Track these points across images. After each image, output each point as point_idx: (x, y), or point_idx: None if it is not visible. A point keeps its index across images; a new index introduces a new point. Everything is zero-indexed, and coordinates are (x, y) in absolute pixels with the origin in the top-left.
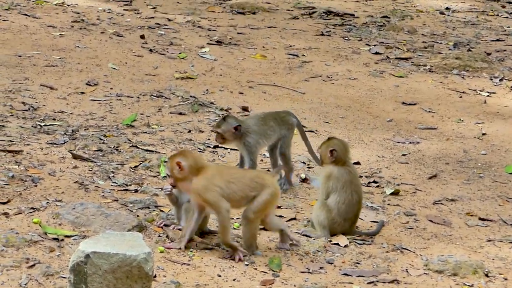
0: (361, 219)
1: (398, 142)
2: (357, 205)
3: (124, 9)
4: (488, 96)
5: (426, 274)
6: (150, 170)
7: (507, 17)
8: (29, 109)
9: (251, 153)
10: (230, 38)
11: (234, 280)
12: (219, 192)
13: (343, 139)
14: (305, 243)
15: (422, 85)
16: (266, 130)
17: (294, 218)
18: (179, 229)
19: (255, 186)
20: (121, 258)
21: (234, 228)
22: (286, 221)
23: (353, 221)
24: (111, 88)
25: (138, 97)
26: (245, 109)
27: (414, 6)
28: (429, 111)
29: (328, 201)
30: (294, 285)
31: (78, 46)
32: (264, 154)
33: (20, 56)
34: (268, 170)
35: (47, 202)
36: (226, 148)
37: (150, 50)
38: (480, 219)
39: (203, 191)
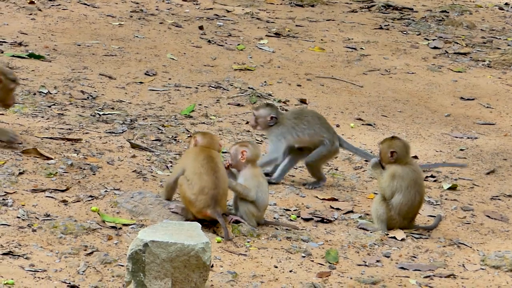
0: (419, 213)
1: (456, 137)
2: (419, 205)
3: (183, 0)
4: None
5: (482, 269)
6: None
7: None
8: (88, 98)
9: (272, 143)
10: (289, 30)
11: (290, 271)
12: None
13: (405, 139)
14: (362, 236)
15: (480, 81)
16: (296, 125)
17: (351, 211)
18: (236, 221)
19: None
20: (179, 248)
21: (291, 220)
22: (343, 213)
23: (412, 218)
24: (170, 79)
25: (196, 87)
26: (303, 101)
27: (473, 1)
28: (487, 107)
29: (392, 200)
30: (351, 278)
31: (137, 36)
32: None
33: (79, 45)
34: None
35: (106, 191)
36: None
37: (209, 41)
38: None
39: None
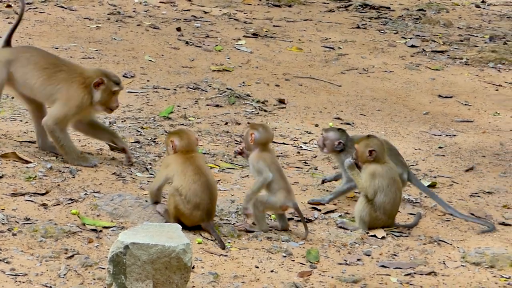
0: (399, 211)
1: (435, 135)
2: (399, 202)
3: (160, 2)
4: None
5: (463, 266)
6: None
7: None
8: None
9: (344, 173)
10: (266, 31)
11: (271, 271)
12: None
13: (381, 137)
14: (343, 235)
15: (458, 78)
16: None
17: (332, 211)
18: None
19: None
20: (160, 249)
21: (272, 220)
22: (324, 213)
23: (394, 216)
24: (148, 80)
25: (174, 89)
26: (281, 101)
27: None
28: (465, 104)
29: (375, 199)
30: (332, 277)
31: (114, 39)
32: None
33: (57, 48)
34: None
35: (85, 194)
36: None
37: (187, 43)
38: None
39: (164, 167)
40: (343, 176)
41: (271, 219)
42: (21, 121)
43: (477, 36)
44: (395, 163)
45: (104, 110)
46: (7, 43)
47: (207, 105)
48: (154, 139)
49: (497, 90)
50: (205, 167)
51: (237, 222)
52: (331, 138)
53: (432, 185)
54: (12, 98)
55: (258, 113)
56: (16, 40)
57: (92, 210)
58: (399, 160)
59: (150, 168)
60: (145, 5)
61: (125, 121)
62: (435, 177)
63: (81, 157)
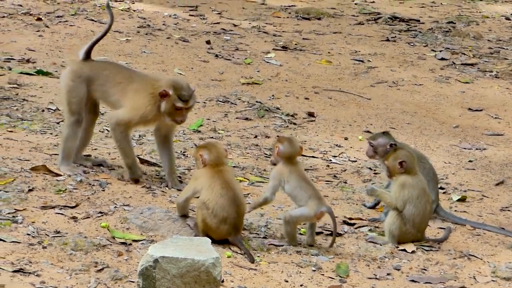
0: (428, 225)
1: (465, 148)
2: (429, 215)
3: (189, 15)
4: None
5: (493, 281)
6: None
7: None
8: None
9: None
10: (296, 44)
11: (301, 285)
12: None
13: (409, 147)
14: (372, 249)
15: (488, 91)
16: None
17: (362, 226)
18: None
19: None
20: (189, 263)
21: (301, 234)
22: (355, 227)
23: (424, 229)
24: None
25: (204, 102)
26: (310, 114)
27: (480, 12)
28: (495, 117)
29: (404, 211)
30: None
31: (144, 51)
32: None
33: None
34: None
35: (115, 207)
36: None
37: (216, 56)
38: None
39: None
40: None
41: (301, 233)
42: (51, 134)
43: (507, 48)
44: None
45: (172, 121)
46: (87, 55)
47: (236, 118)
48: (184, 152)
49: None
50: (233, 181)
51: (266, 236)
52: (382, 144)
53: (462, 199)
54: (43, 111)
55: (287, 126)
56: (47, 54)
57: (121, 223)
58: (433, 186)
59: (180, 181)
60: (175, 18)
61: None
62: (465, 191)
63: (133, 166)
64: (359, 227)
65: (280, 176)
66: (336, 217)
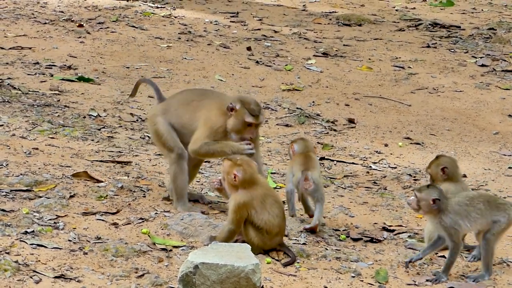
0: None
1: (505, 155)
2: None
3: (230, 21)
4: None
5: None
6: None
7: None
8: (137, 120)
9: (450, 235)
10: (336, 50)
11: None
12: (245, 215)
13: (451, 155)
14: (412, 256)
15: None
16: (469, 214)
17: (402, 232)
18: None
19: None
20: (229, 269)
21: (341, 240)
22: (394, 234)
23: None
24: None
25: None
26: (351, 121)
27: None
28: None
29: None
30: None
31: (185, 58)
32: None
33: (128, 67)
34: None
35: (156, 213)
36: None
37: (257, 62)
38: None
39: (237, 207)
40: (447, 241)
41: (340, 239)
42: (92, 140)
43: None
44: (495, 213)
45: (239, 139)
46: (161, 99)
47: (277, 124)
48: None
49: None
50: (274, 192)
51: (306, 242)
52: (427, 197)
53: None
54: (84, 117)
55: (327, 132)
56: (88, 60)
57: (162, 229)
58: (497, 207)
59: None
60: (216, 24)
61: None
62: (505, 197)
63: (233, 147)
64: (399, 233)
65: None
66: (376, 223)
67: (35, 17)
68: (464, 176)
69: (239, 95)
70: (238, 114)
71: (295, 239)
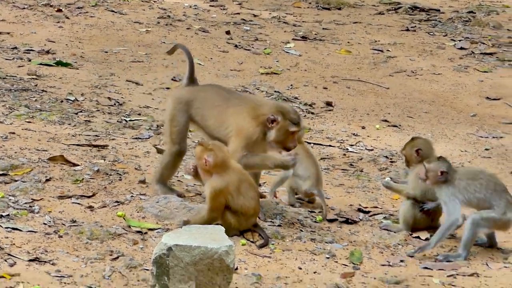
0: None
1: (481, 137)
2: None
3: (210, 5)
4: None
5: (506, 267)
6: None
7: None
8: (114, 104)
9: (446, 205)
10: (315, 34)
11: (314, 272)
12: (224, 201)
13: (428, 137)
14: (386, 237)
15: (506, 80)
16: (468, 186)
17: (377, 214)
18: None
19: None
20: (202, 251)
21: (317, 222)
22: (370, 215)
23: (438, 218)
24: None
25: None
26: (329, 104)
27: (500, 1)
28: None
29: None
30: (374, 278)
31: (164, 42)
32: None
33: (106, 52)
34: None
35: (131, 196)
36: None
37: (236, 46)
38: None
39: (214, 194)
40: (444, 210)
41: (316, 221)
42: (69, 124)
43: None
44: (495, 198)
45: (280, 149)
46: (191, 80)
47: None
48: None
49: None
50: (247, 174)
51: (281, 224)
52: (434, 169)
53: None
54: (61, 102)
55: (305, 115)
56: (66, 45)
57: (138, 212)
58: (500, 195)
59: None
60: (195, 8)
61: None
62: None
63: (277, 161)
64: (374, 214)
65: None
66: (351, 205)
67: (13, 2)
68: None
69: (274, 103)
70: (281, 126)
71: (271, 221)
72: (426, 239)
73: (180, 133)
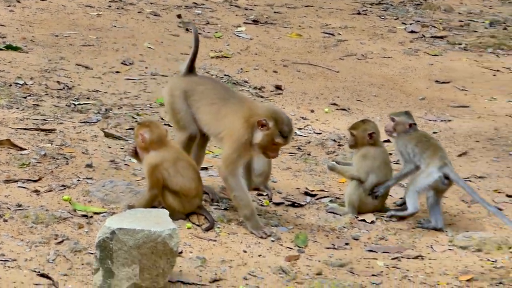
0: (391, 195)
1: (430, 120)
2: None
3: None
4: None
5: (450, 250)
6: None
7: None
8: (63, 88)
9: (402, 155)
10: (267, 17)
11: (259, 256)
12: (161, 178)
13: (376, 121)
14: (332, 220)
15: (456, 64)
16: (414, 144)
17: (323, 197)
18: None
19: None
20: (146, 234)
21: (263, 205)
22: (316, 198)
23: (385, 199)
24: (146, 68)
25: (173, 76)
26: (278, 87)
27: None
28: (462, 89)
29: (366, 182)
30: (319, 261)
31: (115, 26)
32: None
33: (57, 36)
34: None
35: (78, 180)
36: None
37: (186, 30)
38: (508, 196)
39: (150, 169)
40: (401, 160)
41: (262, 205)
42: (17, 108)
43: (477, 21)
44: (432, 155)
45: (262, 154)
46: (190, 69)
47: None
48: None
49: (494, 75)
50: (188, 157)
51: (227, 208)
52: (403, 122)
53: None
54: (10, 85)
55: (254, 99)
56: (17, 28)
57: (84, 196)
58: (439, 155)
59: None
60: None
61: (121, 108)
62: None
63: (252, 217)
64: (320, 198)
65: None
66: (298, 188)
67: None
68: (387, 141)
69: (271, 108)
70: (269, 133)
71: (217, 205)
72: (372, 222)
73: (186, 117)
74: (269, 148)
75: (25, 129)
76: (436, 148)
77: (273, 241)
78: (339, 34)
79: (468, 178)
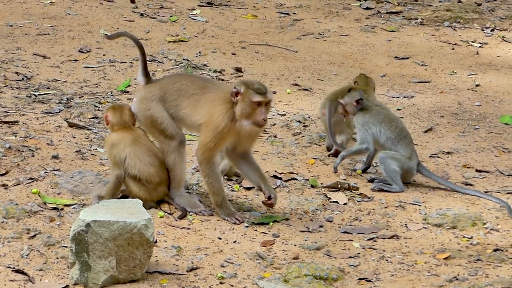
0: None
1: (392, 97)
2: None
3: None
4: (480, 47)
5: (425, 228)
6: None
7: None
8: (22, 79)
9: (359, 131)
10: None
11: (234, 242)
12: (119, 158)
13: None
14: (304, 202)
15: (414, 39)
16: (384, 122)
17: (292, 179)
18: None
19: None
20: (121, 226)
21: (234, 190)
22: (285, 180)
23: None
24: (104, 55)
25: (131, 62)
26: (238, 70)
27: None
28: (422, 65)
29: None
30: (295, 245)
31: (69, 13)
32: None
33: (11, 26)
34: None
35: (45, 172)
36: None
37: (141, 15)
38: (477, 170)
39: (109, 147)
40: (358, 137)
41: (233, 190)
42: None
43: None
44: (405, 147)
45: (252, 126)
46: (147, 76)
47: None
48: None
49: (453, 49)
50: (151, 143)
51: (198, 193)
52: (349, 101)
53: None
54: None
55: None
56: None
57: (52, 188)
58: (412, 148)
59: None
60: None
61: (82, 96)
62: None
63: (224, 204)
64: (289, 180)
65: None
66: (267, 171)
67: None
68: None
69: (241, 79)
70: (245, 96)
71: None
72: (344, 203)
73: (171, 126)
74: (253, 112)
75: None
76: (408, 138)
77: (247, 226)
78: (295, 13)
79: (436, 154)
